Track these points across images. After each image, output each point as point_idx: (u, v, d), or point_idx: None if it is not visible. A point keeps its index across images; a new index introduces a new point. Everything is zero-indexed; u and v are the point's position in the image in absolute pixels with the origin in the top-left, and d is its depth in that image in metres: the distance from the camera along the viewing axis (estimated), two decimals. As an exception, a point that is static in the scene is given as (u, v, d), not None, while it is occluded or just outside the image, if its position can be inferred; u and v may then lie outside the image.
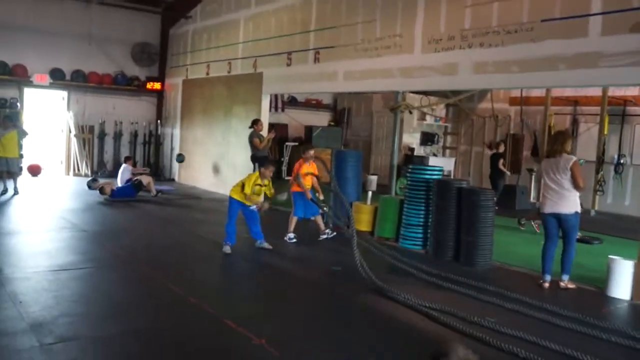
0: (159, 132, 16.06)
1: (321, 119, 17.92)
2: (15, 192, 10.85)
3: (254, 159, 10.99)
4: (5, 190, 10.78)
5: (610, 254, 6.17)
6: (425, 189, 7.74)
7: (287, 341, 4.27)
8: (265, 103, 12.09)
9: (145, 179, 11.57)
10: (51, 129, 15.21)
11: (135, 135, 15.88)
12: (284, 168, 15.56)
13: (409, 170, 8.23)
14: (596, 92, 12.42)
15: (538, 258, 6.37)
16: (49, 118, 15.16)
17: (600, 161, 12.41)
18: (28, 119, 13.98)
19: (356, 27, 9.62)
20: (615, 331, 4.77)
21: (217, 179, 13.45)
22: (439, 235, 7.38)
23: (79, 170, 14.94)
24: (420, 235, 7.79)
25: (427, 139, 16.05)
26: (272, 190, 7.28)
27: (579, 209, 6.09)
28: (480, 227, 6.96)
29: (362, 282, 5.81)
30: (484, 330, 4.60)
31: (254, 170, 10.87)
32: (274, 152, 15.18)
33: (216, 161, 13.72)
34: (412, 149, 15.73)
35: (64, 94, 14.91)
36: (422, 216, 7.77)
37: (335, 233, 8.18)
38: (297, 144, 15.49)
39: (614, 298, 5.86)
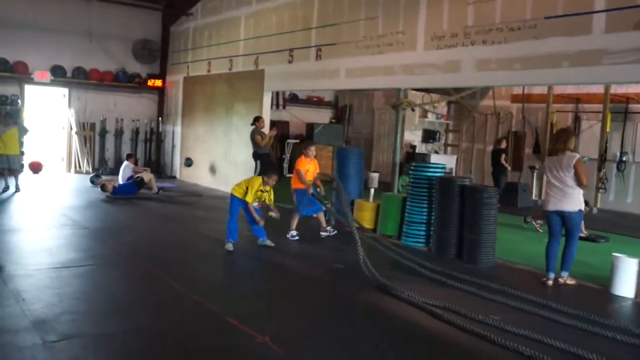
0: (160, 129, 16.04)
1: (322, 116, 17.90)
2: (17, 190, 10.83)
3: (255, 156, 10.98)
4: (6, 188, 10.77)
5: (617, 252, 6.15)
6: (427, 187, 7.72)
7: (290, 339, 4.25)
8: (267, 100, 12.05)
9: (147, 176, 11.56)
10: (52, 126, 15.18)
11: (136, 132, 15.86)
12: (286, 165, 15.55)
13: (412, 167, 8.20)
14: (598, 89, 12.39)
15: (541, 256, 6.35)
16: (50, 115, 15.13)
17: (602, 159, 12.39)
18: (29, 116, 13.95)
19: (358, 24, 9.59)
20: (619, 329, 4.76)
21: (218, 177, 13.43)
22: (442, 232, 7.37)
23: (80, 167, 14.92)
24: (423, 233, 7.77)
25: (429, 136, 16.03)
26: (272, 198, 7.26)
27: (582, 207, 6.08)
28: (483, 224, 6.94)
29: (365, 280, 5.80)
30: (488, 328, 4.59)
31: (255, 168, 10.90)
32: (275, 150, 15.16)
33: (213, 161, 13.73)
34: (413, 147, 15.72)
35: (65, 91, 14.89)
36: (424, 213, 7.75)
37: (336, 231, 8.16)
38: (298, 141, 15.48)
39: (618, 296, 5.84)
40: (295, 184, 7.94)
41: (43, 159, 14.59)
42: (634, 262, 5.85)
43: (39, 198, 10.60)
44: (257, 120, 11.02)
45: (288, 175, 14.66)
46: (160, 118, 16.06)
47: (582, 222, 8.51)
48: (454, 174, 14.50)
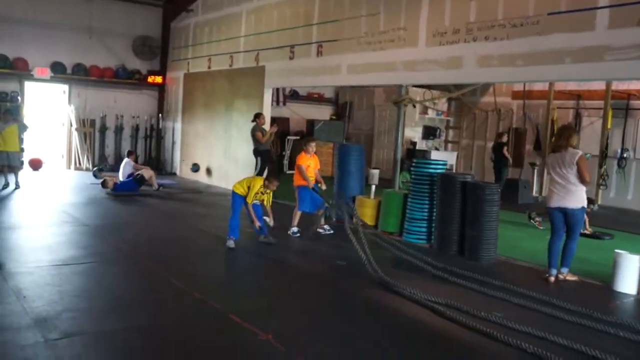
0: (161, 126, 16.00)
1: (323, 112, 17.88)
2: (17, 186, 10.81)
3: (256, 153, 10.95)
4: (6, 185, 10.75)
5: (620, 249, 6.13)
6: (429, 183, 7.70)
7: (292, 336, 4.24)
8: (268, 97, 12.03)
9: (147, 173, 11.54)
10: (52, 122, 15.15)
11: (136, 129, 15.82)
12: (286, 162, 15.53)
13: (413, 164, 8.18)
14: (599, 85, 12.38)
15: (543, 252, 6.34)
16: (49, 112, 15.09)
17: (603, 155, 12.38)
18: (29, 113, 13.92)
19: (360, 20, 9.56)
20: (622, 326, 4.75)
21: (218, 175, 13.40)
22: (444, 229, 7.35)
23: (80, 164, 14.90)
24: (425, 230, 7.75)
25: (429, 133, 16.01)
26: (270, 200, 7.26)
27: (585, 204, 6.06)
28: (484, 221, 6.92)
29: (367, 277, 5.79)
30: (491, 325, 4.57)
31: (256, 165, 10.87)
32: (275, 146, 15.13)
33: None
34: (414, 143, 15.71)
35: (64, 87, 14.85)
36: (426, 210, 7.73)
37: (333, 231, 8.12)
38: (298, 137, 15.46)
39: (620, 292, 5.83)
40: (298, 181, 7.92)
41: (43, 156, 14.55)
42: (635, 259, 5.84)
43: (39, 195, 10.57)
44: (258, 116, 10.99)
45: (288, 172, 14.67)
46: (160, 115, 16.03)
47: (587, 220, 8.54)
48: (454, 171, 14.50)
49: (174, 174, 15.38)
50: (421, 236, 7.77)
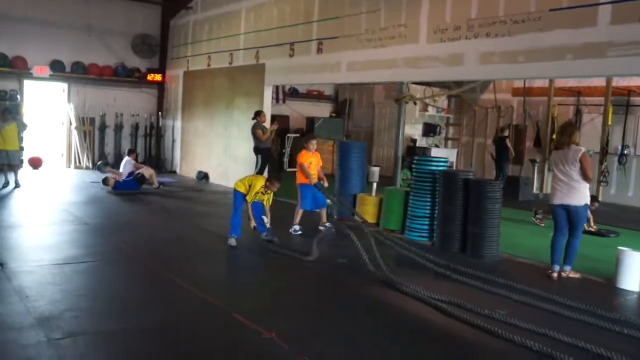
0: (160, 124, 15.97)
1: (322, 110, 17.85)
2: (17, 185, 10.79)
3: (256, 150, 10.92)
4: (6, 184, 10.72)
5: (623, 246, 6.12)
6: (431, 181, 7.68)
7: (295, 335, 4.22)
8: (268, 94, 12.00)
9: (147, 172, 11.51)
10: (51, 121, 15.11)
11: (136, 127, 15.78)
12: (286, 160, 15.51)
13: (415, 161, 8.16)
14: (600, 82, 12.35)
15: (545, 250, 6.33)
16: (49, 110, 15.06)
17: (604, 152, 12.37)
18: (28, 111, 13.89)
19: (360, 17, 9.52)
20: (625, 323, 4.74)
21: (217, 174, 13.38)
22: (445, 226, 7.34)
23: (80, 162, 14.87)
24: (426, 227, 7.74)
25: (430, 130, 15.99)
26: (270, 200, 7.23)
27: (588, 201, 6.05)
28: (487, 218, 6.91)
29: (369, 274, 5.78)
30: (494, 322, 4.56)
31: (256, 163, 10.84)
32: (275, 144, 15.10)
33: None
34: (414, 140, 15.69)
35: (64, 86, 14.80)
36: (427, 208, 7.71)
37: (333, 230, 8.10)
38: (298, 135, 15.43)
39: (623, 289, 5.82)
40: (300, 179, 7.90)
41: (43, 155, 14.53)
42: (638, 256, 5.83)
43: (39, 194, 10.55)
44: (258, 114, 10.96)
45: (288, 170, 14.66)
46: (160, 113, 15.99)
47: (592, 217, 8.54)
48: (454, 168, 14.48)
49: (174, 172, 15.35)
50: (423, 234, 7.75)
